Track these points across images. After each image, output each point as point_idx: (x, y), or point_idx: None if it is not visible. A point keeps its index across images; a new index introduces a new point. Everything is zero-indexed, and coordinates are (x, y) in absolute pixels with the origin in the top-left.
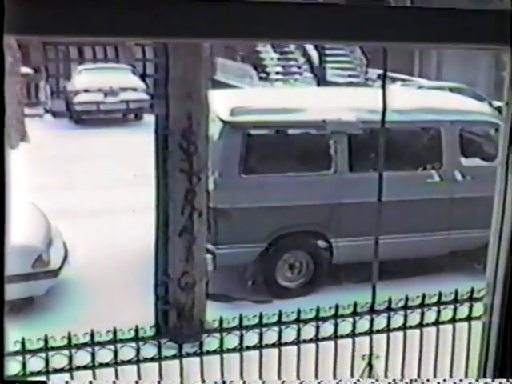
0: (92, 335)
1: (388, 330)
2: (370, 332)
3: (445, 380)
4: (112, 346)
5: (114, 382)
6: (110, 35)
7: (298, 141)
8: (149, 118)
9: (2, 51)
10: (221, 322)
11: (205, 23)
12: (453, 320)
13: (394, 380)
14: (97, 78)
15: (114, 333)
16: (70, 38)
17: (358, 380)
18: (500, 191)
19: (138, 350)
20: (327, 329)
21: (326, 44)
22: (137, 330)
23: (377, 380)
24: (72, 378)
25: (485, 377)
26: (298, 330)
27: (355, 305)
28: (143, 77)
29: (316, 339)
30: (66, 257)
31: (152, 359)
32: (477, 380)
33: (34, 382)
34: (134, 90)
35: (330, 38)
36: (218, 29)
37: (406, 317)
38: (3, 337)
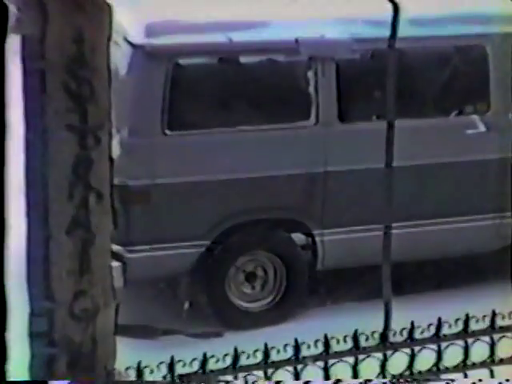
0: None
1: (411, 374)
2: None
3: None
4: None
5: None
6: None
7: (256, 74)
8: (14, 40)
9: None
10: (139, 371)
11: None
12: None
13: None
14: None
15: None
16: None
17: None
18: None
19: None
20: (312, 375)
21: None
22: None
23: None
24: None
25: None
26: (267, 379)
27: (356, 335)
28: None
29: None
30: None
31: None
32: None
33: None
34: None
35: None
36: None
37: (439, 353)
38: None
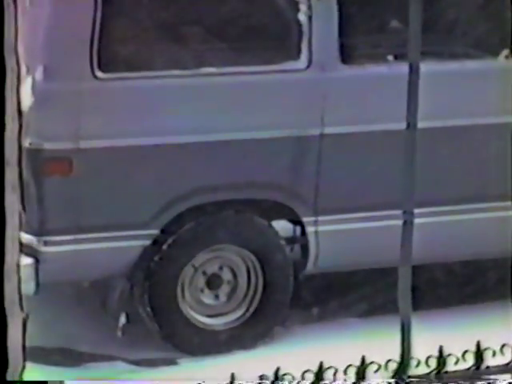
0: None
1: None
2: None
3: None
4: None
5: None
6: None
7: None
8: None
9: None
10: None
11: None
12: None
13: None
14: None
15: None
16: None
17: None
18: None
19: None
20: None
21: None
22: None
23: None
24: None
25: None
26: None
27: (362, 366)
28: None
29: None
30: None
31: None
32: None
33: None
34: None
35: None
36: None
37: None
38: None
